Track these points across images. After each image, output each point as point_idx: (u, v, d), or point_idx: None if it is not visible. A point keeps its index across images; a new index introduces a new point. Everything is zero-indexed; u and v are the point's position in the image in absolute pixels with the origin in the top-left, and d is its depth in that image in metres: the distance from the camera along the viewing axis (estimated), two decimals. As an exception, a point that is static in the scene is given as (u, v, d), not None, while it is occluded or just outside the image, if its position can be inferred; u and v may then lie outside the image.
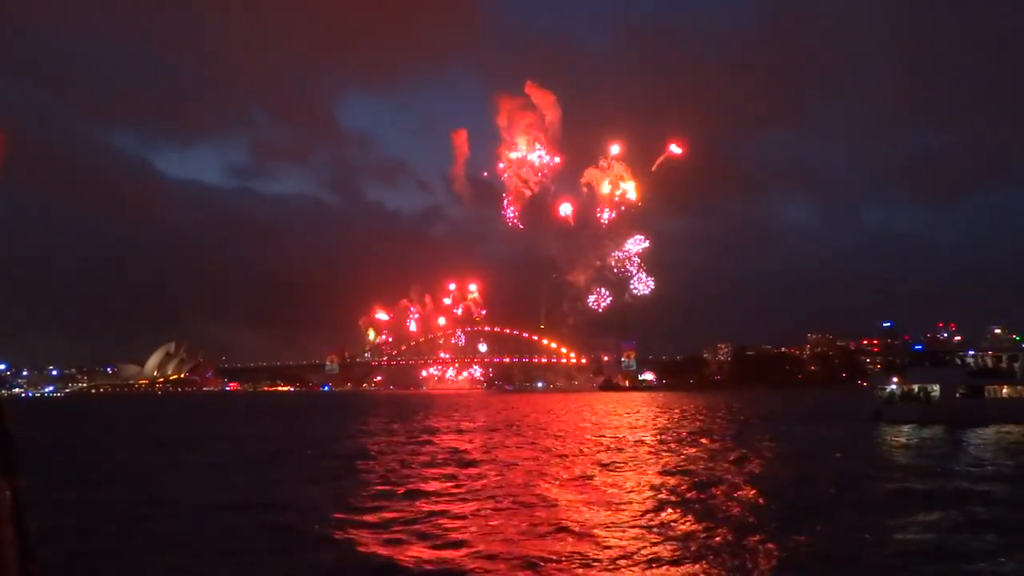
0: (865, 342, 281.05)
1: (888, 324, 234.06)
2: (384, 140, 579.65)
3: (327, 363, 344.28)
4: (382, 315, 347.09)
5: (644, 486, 29.78)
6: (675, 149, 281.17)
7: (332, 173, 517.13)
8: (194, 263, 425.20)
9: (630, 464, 37.89)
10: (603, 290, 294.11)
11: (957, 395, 66.87)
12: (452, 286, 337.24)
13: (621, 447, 47.52)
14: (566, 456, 42.96)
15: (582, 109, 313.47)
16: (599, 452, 44.44)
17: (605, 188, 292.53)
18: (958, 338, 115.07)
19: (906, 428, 60.35)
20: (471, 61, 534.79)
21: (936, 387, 67.35)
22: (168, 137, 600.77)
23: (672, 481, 30.99)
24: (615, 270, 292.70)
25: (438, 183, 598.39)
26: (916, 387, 68.35)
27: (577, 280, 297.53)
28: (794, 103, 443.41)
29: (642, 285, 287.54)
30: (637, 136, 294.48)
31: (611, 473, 34.10)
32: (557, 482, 31.67)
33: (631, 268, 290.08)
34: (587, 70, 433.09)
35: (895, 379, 70.32)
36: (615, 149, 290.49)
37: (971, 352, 72.28)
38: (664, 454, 43.50)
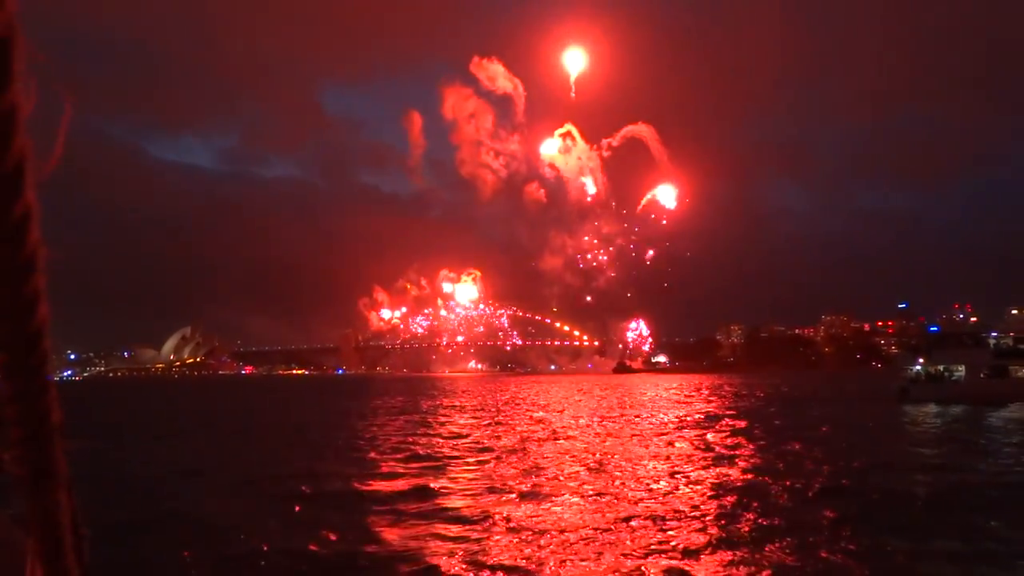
0: (880, 323, 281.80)
1: (903, 305, 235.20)
2: (372, 127, 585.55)
3: (344, 338, 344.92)
4: (385, 298, 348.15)
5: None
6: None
7: (324, 159, 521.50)
8: (196, 247, 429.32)
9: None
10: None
11: (982, 375, 67.87)
12: (452, 274, 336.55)
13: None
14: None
15: (551, 92, 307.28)
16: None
17: (569, 170, 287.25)
18: (974, 319, 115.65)
19: (931, 408, 61.55)
20: (447, 48, 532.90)
21: (961, 368, 68.43)
22: (158, 125, 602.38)
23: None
24: (589, 255, 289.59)
25: (427, 168, 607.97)
26: (942, 367, 69.45)
27: (548, 266, 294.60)
28: (780, 84, 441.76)
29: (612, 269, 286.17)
30: (601, 116, 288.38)
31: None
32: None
33: (604, 253, 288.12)
34: (557, 53, 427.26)
35: (920, 360, 71.37)
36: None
37: (994, 333, 73.27)
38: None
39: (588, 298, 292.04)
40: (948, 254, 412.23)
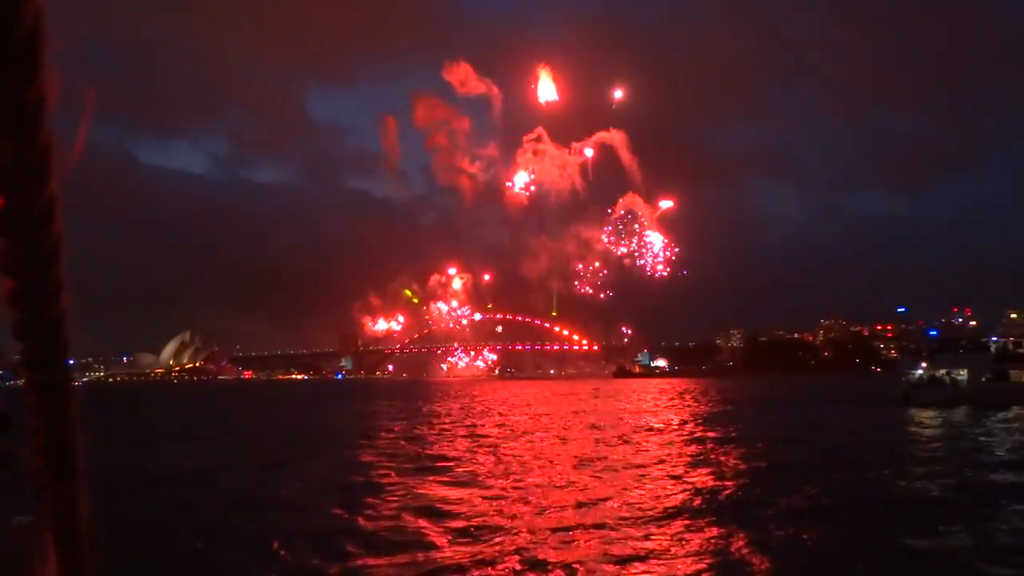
0: (879, 327, 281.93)
1: (902, 309, 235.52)
2: (359, 132, 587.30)
3: (343, 343, 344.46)
4: (379, 303, 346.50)
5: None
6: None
7: (312, 164, 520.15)
8: (192, 252, 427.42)
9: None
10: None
11: (983, 379, 68.65)
12: (444, 279, 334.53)
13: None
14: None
15: (530, 99, 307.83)
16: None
17: (546, 175, 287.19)
18: (973, 323, 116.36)
19: (933, 411, 62.19)
20: (434, 52, 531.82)
21: (963, 371, 69.23)
22: (147, 130, 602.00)
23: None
24: (572, 259, 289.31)
25: (415, 173, 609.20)
26: (944, 371, 70.22)
27: (532, 271, 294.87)
28: (764, 90, 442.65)
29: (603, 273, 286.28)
30: (581, 124, 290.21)
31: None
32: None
33: (586, 260, 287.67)
34: (540, 58, 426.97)
35: (922, 364, 72.14)
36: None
37: (994, 338, 74.07)
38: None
39: (575, 301, 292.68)
40: (945, 258, 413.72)
